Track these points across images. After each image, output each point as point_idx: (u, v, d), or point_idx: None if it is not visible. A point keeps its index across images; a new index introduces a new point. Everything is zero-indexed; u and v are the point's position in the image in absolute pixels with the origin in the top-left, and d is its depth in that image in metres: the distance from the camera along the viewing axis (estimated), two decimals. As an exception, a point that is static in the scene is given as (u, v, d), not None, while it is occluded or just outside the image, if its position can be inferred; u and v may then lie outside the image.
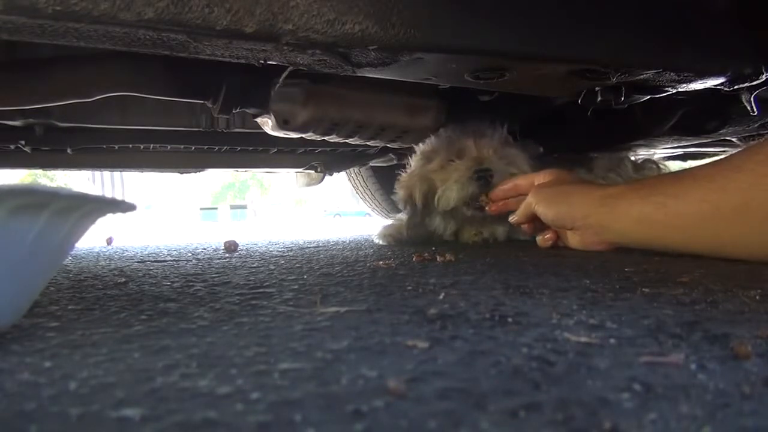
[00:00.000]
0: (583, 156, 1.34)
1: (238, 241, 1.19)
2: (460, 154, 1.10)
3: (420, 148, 1.20)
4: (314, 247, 1.19)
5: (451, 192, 1.06)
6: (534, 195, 0.93)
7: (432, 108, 1.23)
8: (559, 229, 0.94)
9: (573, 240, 0.91)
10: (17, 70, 0.97)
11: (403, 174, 1.21)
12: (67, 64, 0.96)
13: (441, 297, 0.49)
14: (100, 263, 0.91)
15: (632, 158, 1.37)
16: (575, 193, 0.88)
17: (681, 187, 0.73)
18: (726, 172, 0.68)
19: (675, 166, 1.77)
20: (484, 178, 1.02)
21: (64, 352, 0.33)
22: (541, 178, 0.97)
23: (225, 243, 1.15)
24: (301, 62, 0.73)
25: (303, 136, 1.19)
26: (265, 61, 0.73)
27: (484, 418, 0.22)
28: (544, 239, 0.97)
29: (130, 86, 0.99)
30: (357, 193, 2.38)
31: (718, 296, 0.46)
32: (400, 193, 1.20)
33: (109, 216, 0.42)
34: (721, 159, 0.75)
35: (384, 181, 2.12)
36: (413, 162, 1.20)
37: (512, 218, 0.99)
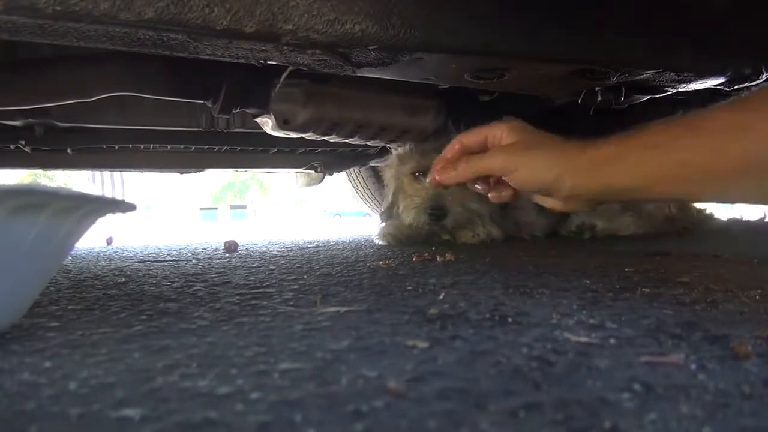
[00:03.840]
0: None
1: (238, 241, 1.19)
2: (427, 169, 1.15)
3: (398, 149, 1.25)
4: (314, 247, 1.19)
5: (408, 213, 1.18)
6: (506, 159, 0.74)
7: (432, 108, 1.23)
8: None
9: (550, 203, 0.75)
10: (17, 70, 0.97)
11: (394, 152, 1.28)
12: (67, 64, 0.96)
13: (441, 297, 0.49)
14: (100, 263, 0.91)
15: None
16: (560, 159, 0.73)
17: (708, 140, 0.62)
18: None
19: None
20: (435, 215, 1.12)
21: (64, 352, 0.33)
22: (500, 134, 0.76)
23: (225, 243, 1.15)
24: (301, 62, 0.73)
25: (303, 136, 1.19)
26: (265, 61, 0.73)
27: (484, 418, 0.22)
28: (500, 196, 0.78)
29: (130, 86, 0.99)
30: (357, 193, 2.39)
31: (718, 296, 0.46)
32: (384, 173, 1.30)
33: (109, 216, 0.42)
34: (737, 102, 0.66)
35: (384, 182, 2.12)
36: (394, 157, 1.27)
37: (447, 175, 0.76)
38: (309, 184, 2.05)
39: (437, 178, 0.79)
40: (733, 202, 0.69)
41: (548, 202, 0.78)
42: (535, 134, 0.80)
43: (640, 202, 0.75)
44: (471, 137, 0.78)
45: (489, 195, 0.81)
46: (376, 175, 2.17)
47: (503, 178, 0.77)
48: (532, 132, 0.80)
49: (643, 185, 0.71)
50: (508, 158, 0.75)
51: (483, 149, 0.80)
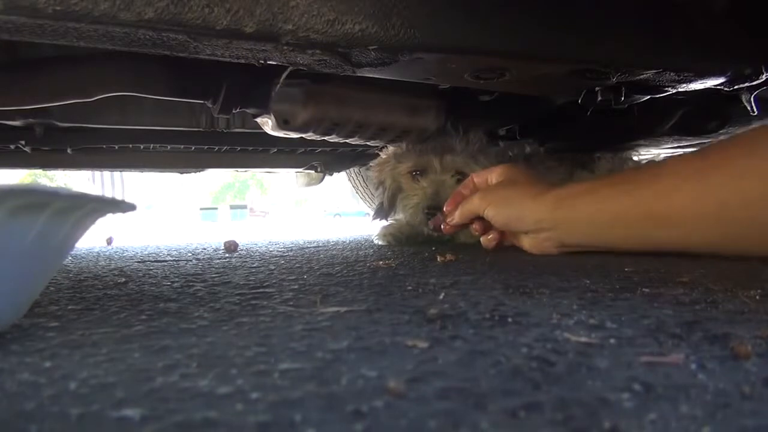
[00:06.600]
0: (586, 156, 1.34)
1: (238, 241, 1.19)
2: (424, 169, 1.17)
3: (393, 149, 1.25)
4: (314, 247, 1.19)
5: (406, 212, 1.19)
6: (482, 198, 0.87)
7: (432, 108, 1.23)
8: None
9: (525, 242, 0.87)
10: (17, 70, 0.97)
11: (381, 155, 1.27)
12: (67, 64, 0.96)
13: (441, 297, 0.49)
14: (100, 263, 0.91)
15: (635, 159, 1.38)
16: (526, 196, 0.83)
17: (665, 183, 0.69)
18: (739, 161, 0.62)
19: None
20: (432, 214, 1.10)
21: (64, 352, 0.33)
22: (490, 176, 0.90)
23: (225, 243, 1.15)
24: (301, 62, 0.73)
25: (303, 136, 1.20)
26: (265, 61, 0.73)
27: (484, 418, 0.22)
28: (487, 239, 0.92)
29: (131, 86, 0.99)
30: (357, 193, 2.39)
31: (718, 296, 0.46)
32: (373, 173, 1.29)
33: (109, 216, 0.42)
34: (717, 146, 0.69)
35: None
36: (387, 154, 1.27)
37: (450, 219, 0.93)
38: (309, 184, 2.05)
39: (446, 228, 0.95)
40: (698, 249, 0.70)
41: (521, 240, 0.87)
42: (519, 175, 0.90)
43: (607, 248, 0.75)
44: (479, 177, 0.93)
45: (482, 239, 0.93)
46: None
47: (478, 214, 0.89)
48: (517, 173, 0.90)
49: (606, 222, 0.75)
50: (485, 196, 0.87)
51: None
